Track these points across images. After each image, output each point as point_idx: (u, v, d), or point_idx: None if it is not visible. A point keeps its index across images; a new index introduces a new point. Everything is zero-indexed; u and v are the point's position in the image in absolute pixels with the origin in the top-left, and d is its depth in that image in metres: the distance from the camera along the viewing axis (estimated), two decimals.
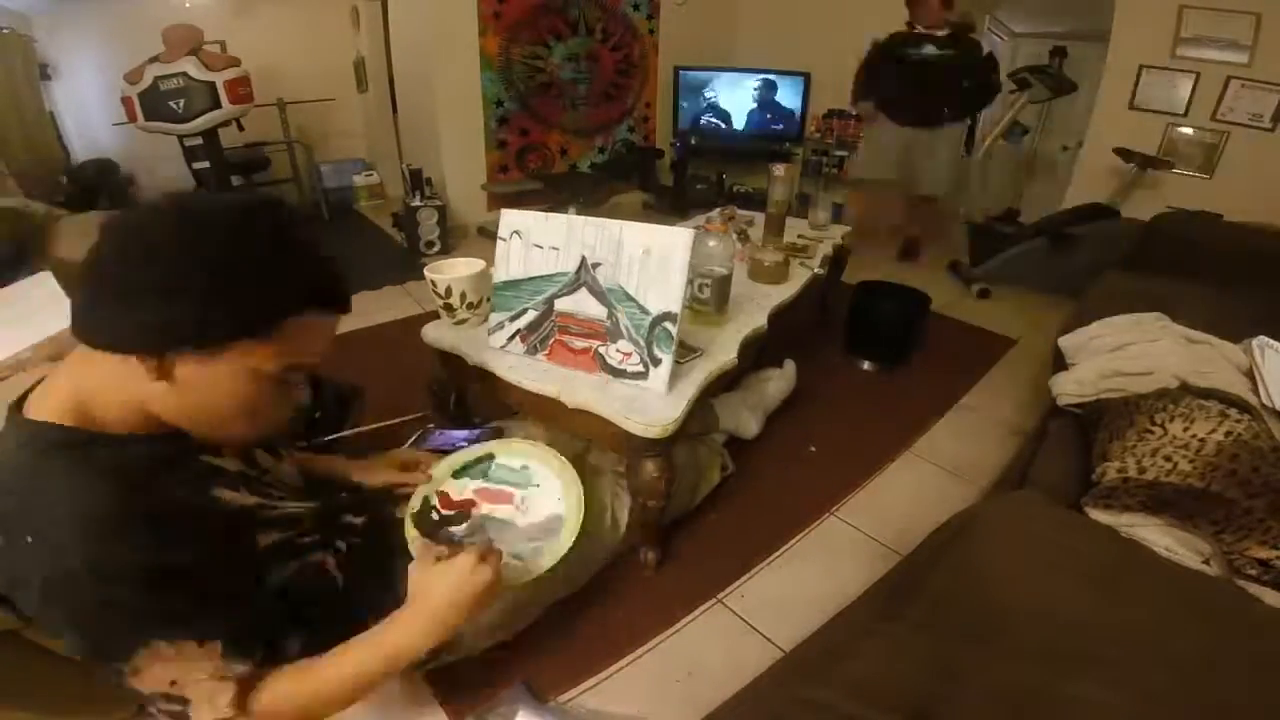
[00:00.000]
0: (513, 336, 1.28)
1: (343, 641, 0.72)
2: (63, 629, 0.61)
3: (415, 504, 1.00)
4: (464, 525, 0.99)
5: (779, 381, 1.92)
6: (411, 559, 0.81)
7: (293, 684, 0.68)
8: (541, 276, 1.20)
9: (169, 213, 0.61)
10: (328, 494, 0.94)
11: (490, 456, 1.09)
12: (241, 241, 0.60)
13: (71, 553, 0.57)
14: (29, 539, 0.57)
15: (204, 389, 0.62)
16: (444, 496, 1.02)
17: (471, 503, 1.02)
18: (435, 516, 0.99)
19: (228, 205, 0.63)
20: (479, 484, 1.06)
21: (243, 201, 0.64)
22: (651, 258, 1.12)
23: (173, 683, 0.62)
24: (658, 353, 1.16)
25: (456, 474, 1.06)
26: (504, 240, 1.23)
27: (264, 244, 0.61)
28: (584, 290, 1.18)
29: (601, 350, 1.20)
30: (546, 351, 1.25)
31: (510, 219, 1.23)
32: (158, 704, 0.63)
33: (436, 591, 0.73)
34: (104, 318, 0.59)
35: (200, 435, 0.68)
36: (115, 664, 0.60)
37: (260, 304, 0.61)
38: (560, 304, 1.21)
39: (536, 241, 1.19)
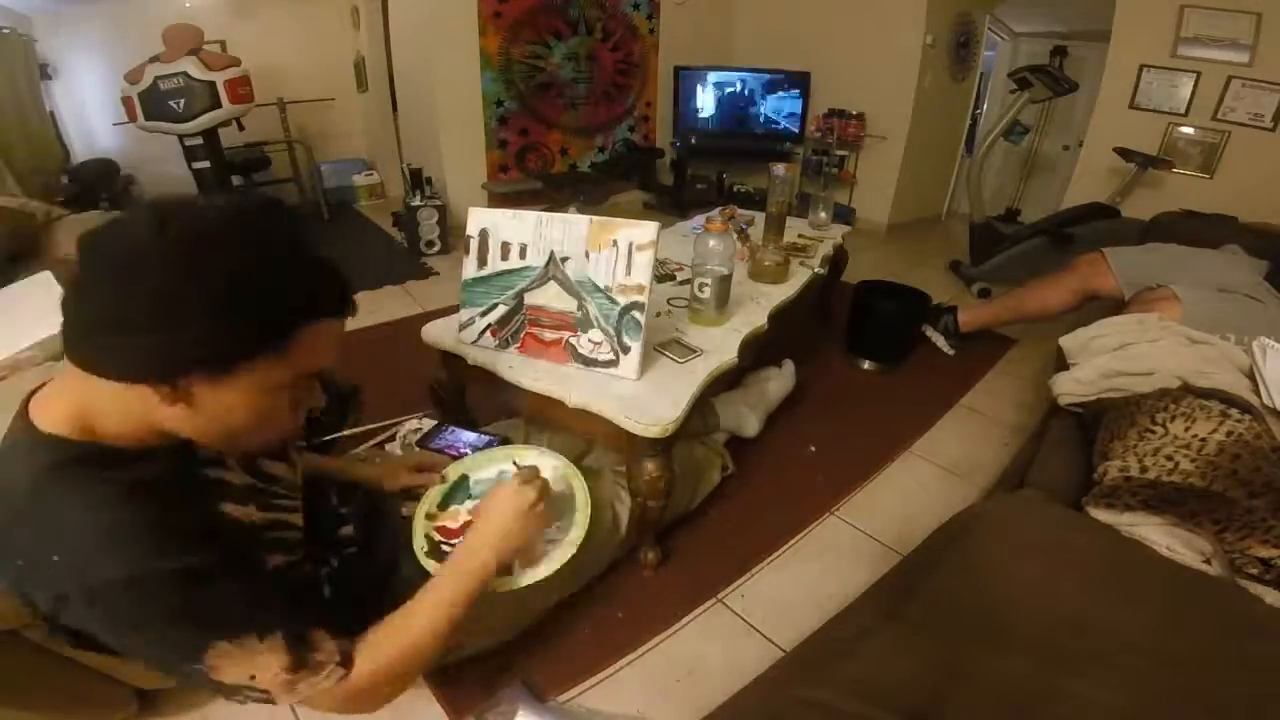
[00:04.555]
0: (483, 331, 1.29)
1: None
2: (124, 639, 0.61)
3: (421, 543, 0.96)
4: None
5: (779, 381, 1.91)
6: (418, 567, 0.87)
7: (385, 638, 0.73)
8: (511, 271, 1.21)
9: (154, 226, 0.54)
10: (323, 506, 0.94)
11: (464, 478, 1.08)
12: (241, 254, 0.56)
13: (104, 566, 0.57)
14: (55, 557, 0.57)
15: (220, 407, 0.60)
16: (443, 529, 1.00)
17: (470, 522, 1.02)
18: (445, 548, 0.97)
19: (220, 214, 0.58)
20: (470, 504, 1.05)
21: (236, 208, 0.59)
22: (619, 249, 1.15)
23: (252, 676, 0.63)
24: (627, 340, 1.18)
25: (441, 506, 1.04)
26: (472, 238, 1.25)
27: (266, 254, 0.57)
28: (553, 283, 1.20)
29: (572, 340, 1.22)
30: (518, 344, 1.27)
31: (477, 217, 1.24)
32: (245, 694, 0.65)
33: (494, 510, 0.86)
34: (99, 346, 0.55)
35: (212, 446, 0.67)
36: (190, 666, 0.61)
37: (270, 319, 0.57)
38: (530, 298, 1.23)
39: (504, 239, 1.20)
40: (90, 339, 0.55)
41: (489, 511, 0.86)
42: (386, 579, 0.92)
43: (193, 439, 0.64)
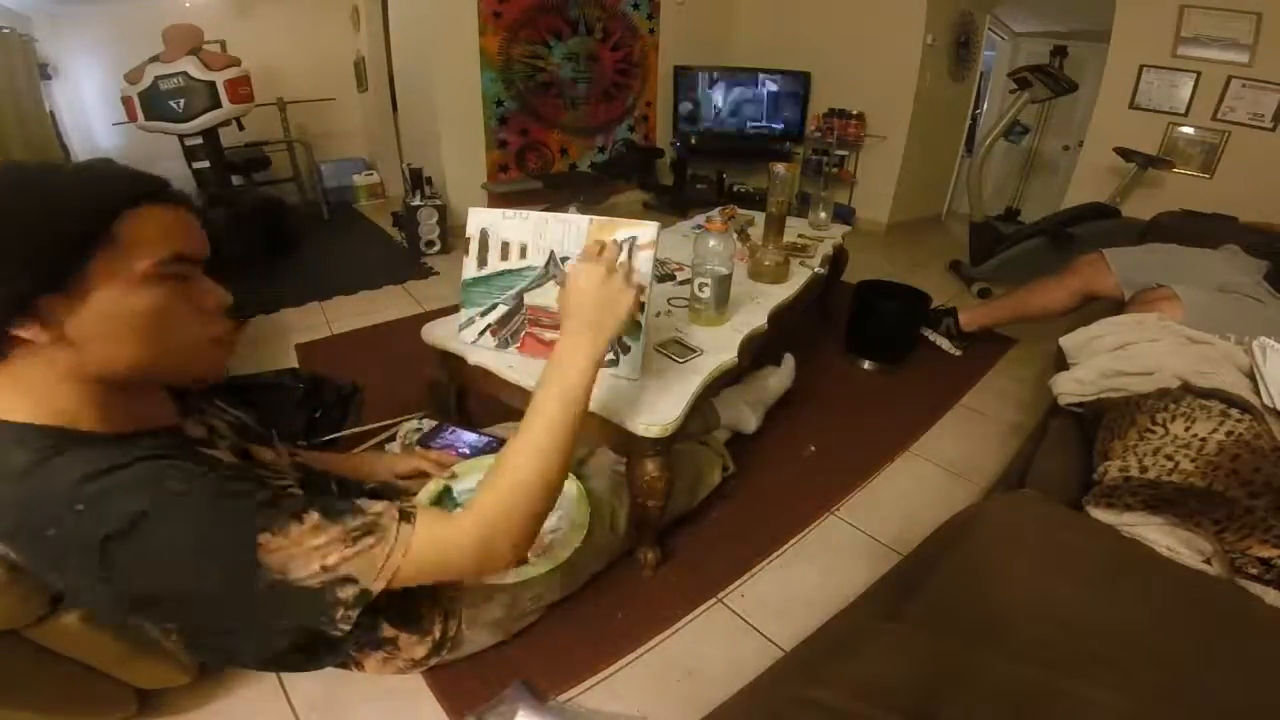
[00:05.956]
0: (483, 331, 1.30)
1: None
2: (170, 576, 0.60)
3: None
4: None
5: (779, 377, 1.92)
6: None
7: (486, 488, 0.72)
8: (510, 271, 1.21)
9: None
10: (325, 490, 0.94)
11: (447, 489, 1.08)
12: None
13: (131, 500, 0.57)
14: (79, 507, 0.56)
15: (104, 324, 0.58)
16: None
17: None
18: None
19: None
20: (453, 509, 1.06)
21: None
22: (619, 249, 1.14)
23: (322, 567, 0.62)
24: (627, 340, 1.18)
25: None
26: (472, 238, 1.25)
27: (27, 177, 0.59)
28: (553, 283, 1.20)
29: None
30: (518, 344, 1.27)
31: (477, 217, 1.24)
32: (336, 595, 0.64)
33: (572, 295, 0.84)
34: None
35: (150, 372, 0.64)
36: (256, 578, 0.60)
37: (86, 219, 0.57)
38: (530, 298, 1.23)
39: (504, 238, 1.21)
40: None
41: (567, 301, 0.85)
42: None
43: (123, 372, 0.62)
